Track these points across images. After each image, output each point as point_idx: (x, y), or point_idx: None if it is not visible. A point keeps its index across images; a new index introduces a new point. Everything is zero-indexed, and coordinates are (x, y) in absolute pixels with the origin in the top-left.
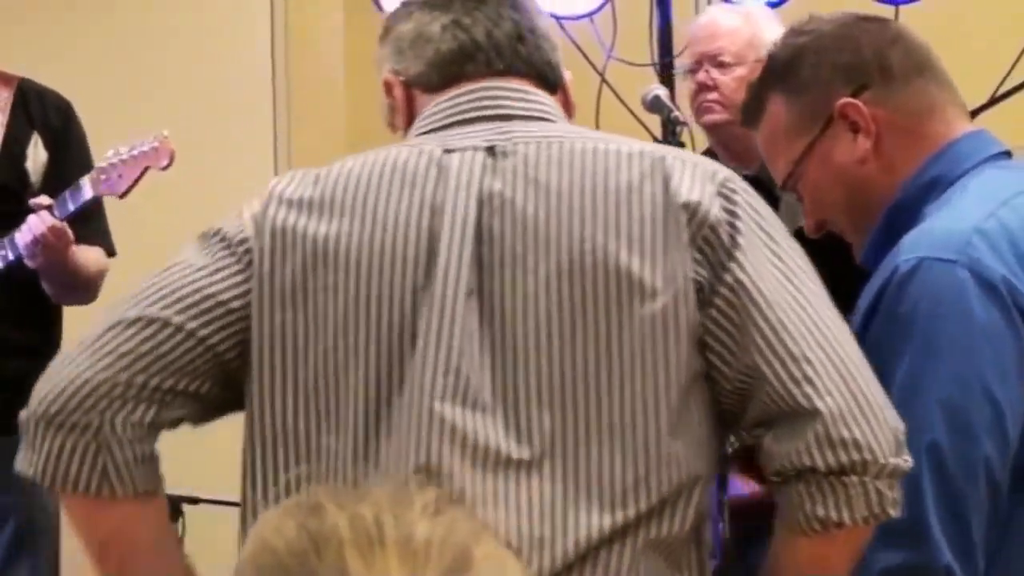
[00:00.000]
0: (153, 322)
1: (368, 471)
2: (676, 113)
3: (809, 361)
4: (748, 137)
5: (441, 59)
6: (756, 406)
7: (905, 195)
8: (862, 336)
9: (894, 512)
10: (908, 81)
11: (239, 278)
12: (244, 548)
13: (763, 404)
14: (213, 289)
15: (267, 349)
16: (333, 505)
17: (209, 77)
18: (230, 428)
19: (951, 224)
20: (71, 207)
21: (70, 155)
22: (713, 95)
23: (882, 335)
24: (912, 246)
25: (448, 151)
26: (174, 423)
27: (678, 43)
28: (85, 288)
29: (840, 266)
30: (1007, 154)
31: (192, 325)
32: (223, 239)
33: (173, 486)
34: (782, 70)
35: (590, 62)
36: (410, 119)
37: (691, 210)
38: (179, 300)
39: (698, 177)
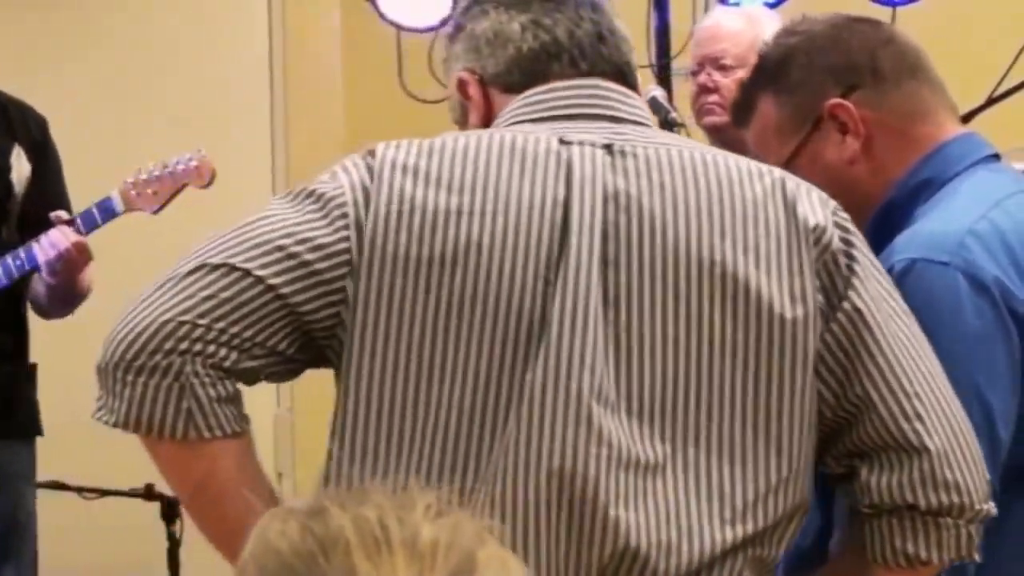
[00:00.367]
0: (235, 270)
1: (479, 454)
2: (674, 115)
3: (919, 398)
4: (746, 140)
5: (523, 58)
6: (857, 436)
7: (896, 196)
8: None
9: (977, 556)
10: (899, 83)
11: (330, 238)
12: (246, 548)
13: (867, 435)
14: (299, 248)
15: (372, 313)
16: (336, 507)
17: (206, 77)
18: None
19: (944, 226)
20: (100, 221)
21: (51, 169)
22: (714, 97)
23: None
24: (905, 247)
25: (564, 142)
26: (251, 374)
27: (676, 44)
28: (76, 303)
29: None
30: (996, 157)
31: (274, 281)
32: (317, 198)
33: None
34: (773, 70)
35: None
36: (487, 118)
37: (816, 235)
38: (265, 254)
39: (817, 202)
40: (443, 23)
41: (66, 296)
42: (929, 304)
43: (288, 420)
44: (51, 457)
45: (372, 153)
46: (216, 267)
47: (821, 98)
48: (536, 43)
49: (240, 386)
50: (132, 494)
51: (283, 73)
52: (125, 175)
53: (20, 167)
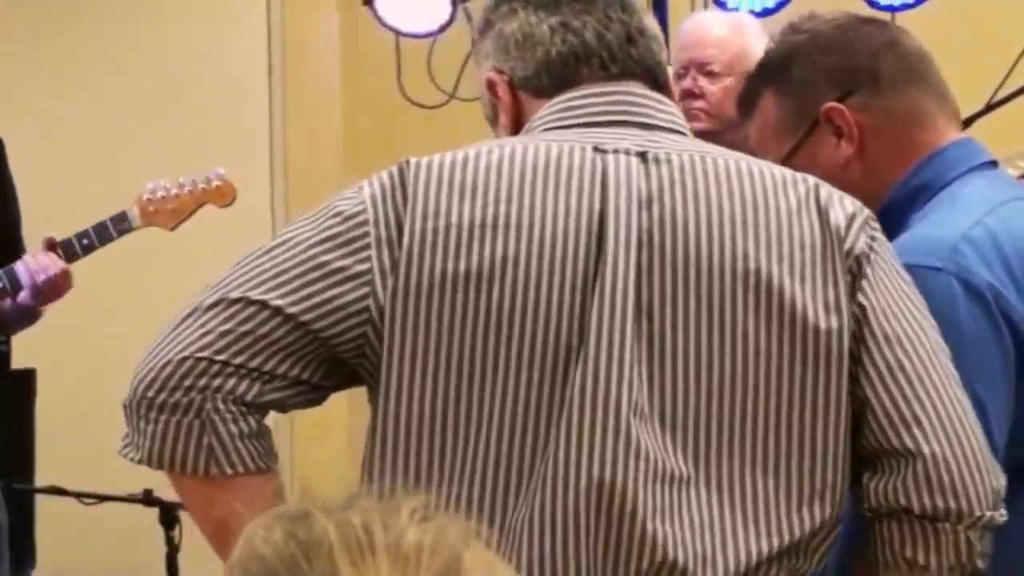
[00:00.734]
0: (252, 304)
1: (521, 470)
2: None
3: (919, 401)
4: (731, 146)
5: (552, 62)
6: (862, 440)
7: (891, 201)
8: None
9: (982, 564)
10: (897, 88)
11: (348, 260)
12: (233, 553)
13: (867, 439)
14: (316, 274)
15: (409, 331)
16: (320, 512)
17: (205, 82)
18: None
19: (938, 231)
20: (115, 235)
21: (7, 184)
22: (699, 103)
23: None
24: (900, 252)
25: (599, 150)
26: (276, 406)
27: (674, 47)
28: (30, 325)
29: None
30: (994, 163)
31: (293, 310)
32: (337, 216)
33: (172, 493)
34: (775, 68)
35: None
36: (517, 121)
37: (848, 244)
38: (283, 284)
39: (850, 209)
40: (442, 28)
41: (31, 317)
42: None
43: (286, 424)
44: (50, 462)
45: (407, 164)
46: (234, 301)
47: (819, 100)
48: (565, 47)
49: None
50: (131, 499)
51: (282, 78)
52: (123, 180)
53: None
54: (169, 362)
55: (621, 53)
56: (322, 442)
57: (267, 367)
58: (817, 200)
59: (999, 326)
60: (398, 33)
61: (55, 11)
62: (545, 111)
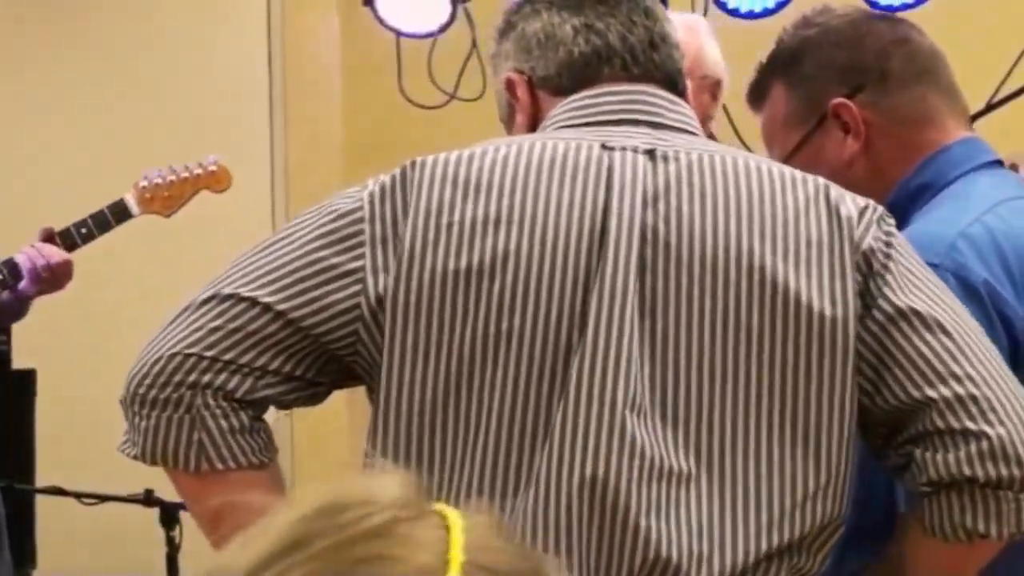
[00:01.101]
0: (243, 300)
1: (519, 464)
2: None
3: (972, 381)
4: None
5: (574, 62)
6: (915, 427)
7: (896, 198)
8: None
9: None
10: (905, 86)
11: (341, 257)
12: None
13: (923, 424)
14: (308, 271)
15: (411, 326)
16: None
17: (206, 83)
18: None
19: (937, 228)
20: (113, 223)
21: None
22: None
23: None
24: None
25: (607, 148)
26: (271, 402)
27: None
28: (18, 319)
29: None
30: (999, 162)
31: (283, 307)
32: (332, 213)
33: (173, 493)
34: (786, 60)
35: None
36: (534, 119)
37: (858, 237)
38: (274, 280)
39: (861, 203)
40: (442, 29)
41: (21, 310)
42: None
43: (286, 424)
44: (50, 463)
45: (411, 164)
46: (226, 297)
47: (828, 95)
48: (588, 47)
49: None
50: (131, 499)
51: (282, 78)
52: (125, 178)
53: None
54: (160, 358)
55: (644, 57)
56: (322, 441)
57: (258, 363)
58: (827, 197)
59: (994, 323)
60: (398, 33)
61: (57, 14)
62: (558, 109)
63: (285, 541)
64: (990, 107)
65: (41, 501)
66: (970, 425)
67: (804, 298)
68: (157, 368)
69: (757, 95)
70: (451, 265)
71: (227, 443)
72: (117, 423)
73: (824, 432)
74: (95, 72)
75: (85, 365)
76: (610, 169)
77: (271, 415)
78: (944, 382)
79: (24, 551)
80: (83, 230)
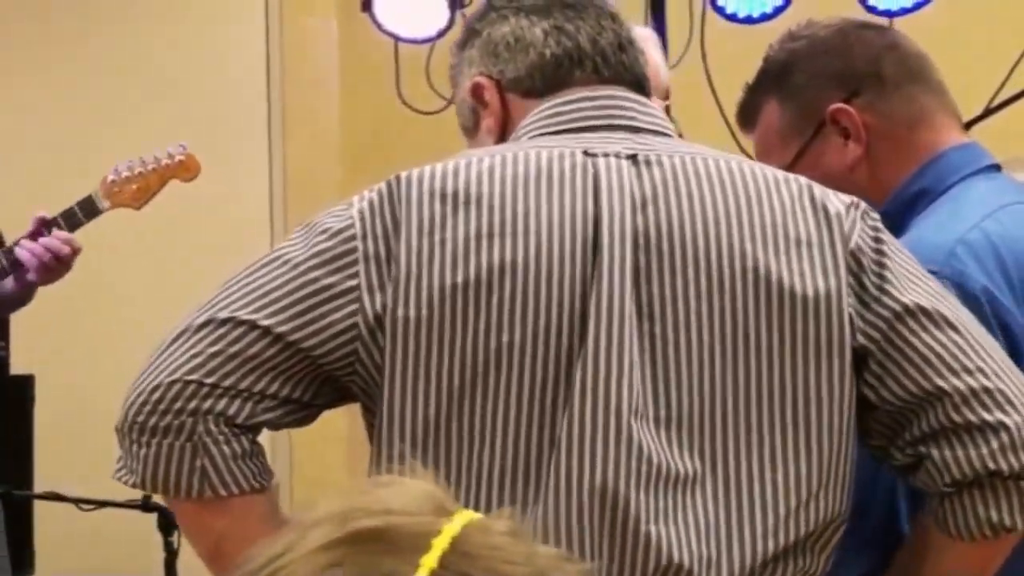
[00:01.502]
0: (241, 324)
1: (527, 477)
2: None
3: (983, 373)
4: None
5: (546, 63)
6: (927, 424)
7: (893, 205)
8: None
9: None
10: (900, 88)
11: (335, 277)
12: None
13: (937, 421)
14: (304, 291)
15: (411, 344)
16: None
17: (204, 88)
18: None
19: (936, 235)
20: (83, 219)
21: None
22: None
23: None
24: None
25: (589, 154)
26: (269, 426)
27: (673, 53)
28: (19, 308)
29: None
30: (996, 167)
31: (281, 329)
32: (324, 232)
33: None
34: (777, 74)
35: None
36: (504, 123)
37: (845, 233)
38: (271, 302)
39: (845, 203)
40: (441, 34)
41: (24, 298)
42: None
43: (284, 431)
44: (48, 468)
45: (396, 179)
46: (223, 322)
47: (824, 103)
48: (559, 49)
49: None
50: (129, 505)
51: (280, 83)
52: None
53: None
54: (159, 385)
55: (614, 59)
56: (321, 449)
57: (257, 387)
58: (812, 195)
59: (993, 331)
60: (397, 39)
61: (55, 16)
62: (531, 118)
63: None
64: (988, 112)
65: (39, 507)
66: (988, 417)
67: (799, 296)
68: (157, 395)
69: (749, 115)
70: (448, 281)
71: (229, 469)
72: (114, 430)
73: (825, 428)
74: (94, 75)
75: (83, 371)
76: (596, 176)
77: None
78: (957, 375)
79: (22, 557)
80: (54, 229)
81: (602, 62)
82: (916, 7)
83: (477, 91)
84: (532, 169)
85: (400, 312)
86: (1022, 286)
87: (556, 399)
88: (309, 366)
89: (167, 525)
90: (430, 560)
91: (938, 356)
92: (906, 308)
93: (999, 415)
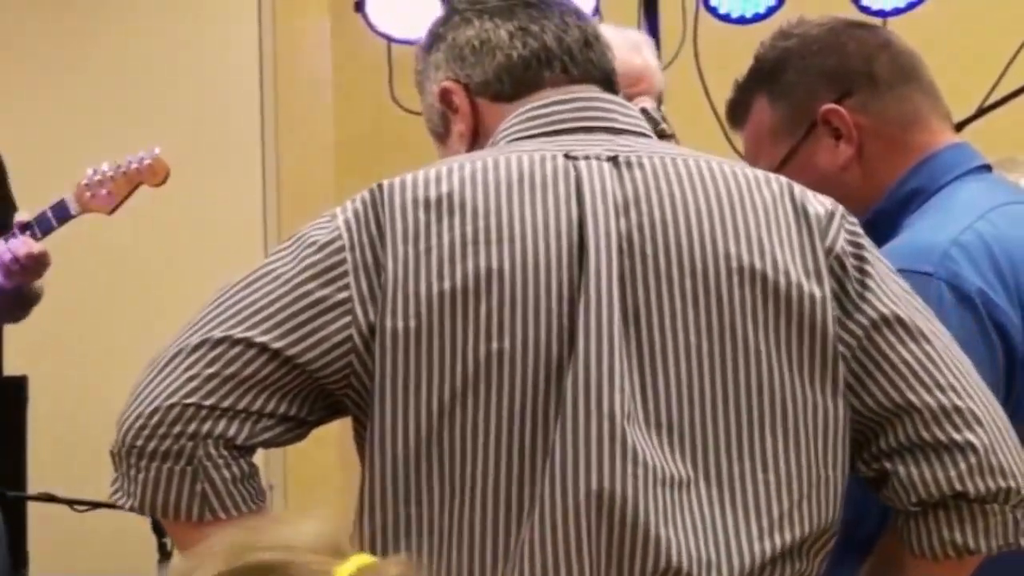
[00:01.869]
0: (237, 343)
1: (521, 484)
2: (663, 126)
3: (956, 391)
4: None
5: (514, 66)
6: (895, 438)
7: (885, 206)
8: None
9: (1023, 542)
10: (893, 89)
11: (327, 289)
12: None
13: (906, 435)
14: (297, 306)
15: (400, 354)
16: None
17: (196, 88)
18: None
19: (929, 236)
20: (55, 225)
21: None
22: None
23: None
24: (891, 257)
25: (570, 157)
26: (266, 445)
27: (667, 53)
28: (28, 309)
29: None
30: (988, 167)
31: (278, 345)
32: (311, 245)
33: None
34: (768, 72)
35: None
36: (475, 128)
37: (828, 238)
38: (265, 319)
39: (825, 205)
40: None
41: (16, 301)
42: None
43: None
44: (42, 469)
45: (379, 188)
46: (219, 341)
47: (815, 102)
48: (526, 50)
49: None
50: (123, 506)
51: (273, 84)
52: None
53: None
54: (157, 409)
55: (582, 56)
56: (315, 451)
57: (255, 406)
58: (792, 195)
59: (988, 332)
60: (390, 39)
61: (48, 15)
62: (509, 122)
63: None
64: (980, 112)
65: (33, 508)
66: (956, 437)
67: (783, 296)
68: (155, 419)
69: (738, 113)
70: (435, 289)
71: (229, 492)
72: (109, 430)
73: (812, 429)
74: (86, 74)
75: (77, 372)
76: (579, 179)
77: None
78: (929, 391)
79: (16, 558)
80: (27, 232)
81: (570, 61)
82: (909, 7)
83: (446, 96)
84: (515, 174)
85: (388, 324)
86: (1016, 286)
87: (548, 406)
88: (306, 381)
89: (160, 527)
90: None
91: (911, 370)
92: (883, 317)
93: (968, 435)
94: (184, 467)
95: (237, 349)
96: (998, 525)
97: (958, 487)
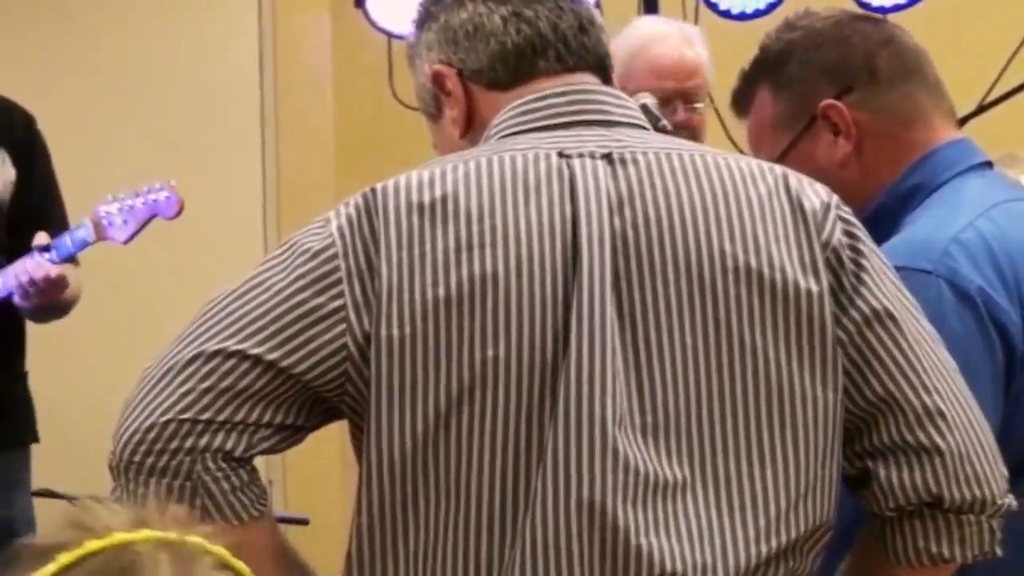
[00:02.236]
0: (231, 356)
1: (516, 492)
2: (664, 122)
3: (939, 393)
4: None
5: (508, 54)
6: (877, 436)
7: (885, 202)
8: None
9: (999, 551)
10: (894, 85)
11: (321, 298)
12: None
13: (887, 434)
14: (291, 315)
15: (396, 360)
16: None
17: (196, 86)
18: None
19: (929, 233)
20: (72, 249)
21: (37, 170)
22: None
23: None
24: (890, 254)
25: (563, 155)
26: (262, 454)
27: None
28: (66, 311)
29: None
30: (988, 164)
31: (272, 356)
32: (305, 252)
33: None
34: (772, 63)
35: None
36: (470, 114)
37: (824, 231)
38: (259, 330)
39: (821, 197)
40: None
41: (46, 313)
42: None
43: None
44: (42, 466)
45: (372, 192)
46: (213, 355)
47: (816, 97)
48: (520, 37)
49: None
50: None
51: (273, 80)
52: (114, 180)
53: (4, 172)
54: (153, 425)
55: (576, 43)
56: (315, 448)
57: (252, 418)
58: (787, 188)
59: (987, 330)
60: (390, 35)
61: (46, 15)
62: (503, 116)
63: None
64: (982, 108)
65: (34, 505)
66: (937, 441)
67: (780, 293)
68: (152, 435)
69: (743, 102)
70: (430, 295)
71: (229, 503)
72: (109, 427)
73: (811, 426)
74: (84, 73)
75: (77, 368)
76: (572, 179)
77: None
78: (915, 390)
79: None
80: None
81: (564, 49)
82: (910, 3)
83: (439, 79)
84: (508, 175)
85: (384, 331)
86: (1016, 284)
87: (543, 412)
88: (302, 390)
89: None
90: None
91: (899, 368)
92: (875, 312)
93: (946, 439)
94: (183, 483)
95: (231, 362)
96: (974, 535)
97: (934, 490)
